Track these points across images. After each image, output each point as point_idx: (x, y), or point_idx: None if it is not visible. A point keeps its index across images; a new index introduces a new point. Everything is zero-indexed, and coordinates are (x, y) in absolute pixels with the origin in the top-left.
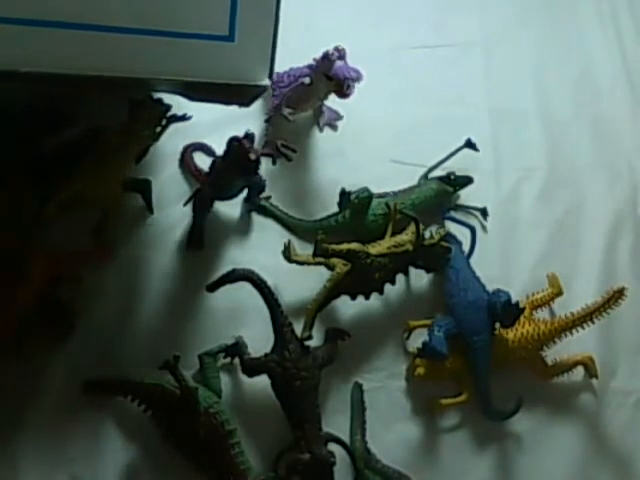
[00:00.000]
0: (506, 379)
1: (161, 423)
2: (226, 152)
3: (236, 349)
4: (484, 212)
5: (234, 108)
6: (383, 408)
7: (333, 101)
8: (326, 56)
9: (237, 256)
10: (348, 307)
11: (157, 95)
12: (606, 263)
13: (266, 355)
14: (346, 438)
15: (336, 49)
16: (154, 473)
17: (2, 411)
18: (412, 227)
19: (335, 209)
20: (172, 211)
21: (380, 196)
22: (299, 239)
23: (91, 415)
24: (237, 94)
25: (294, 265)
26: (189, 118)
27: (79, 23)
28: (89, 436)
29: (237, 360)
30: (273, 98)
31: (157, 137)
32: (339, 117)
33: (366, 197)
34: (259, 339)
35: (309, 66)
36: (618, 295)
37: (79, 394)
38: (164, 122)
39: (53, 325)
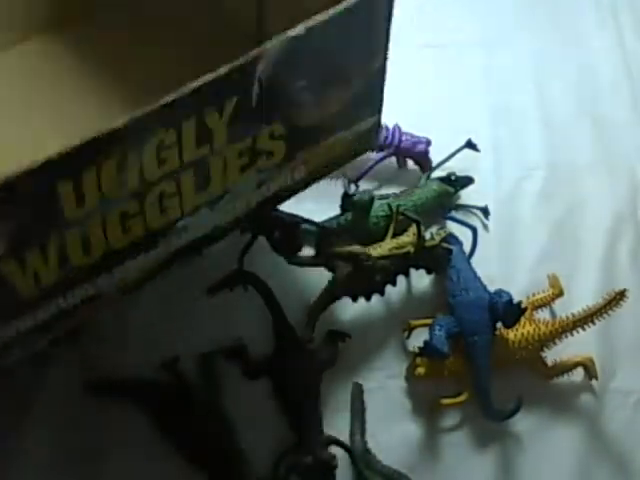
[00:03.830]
0: (506, 379)
1: (161, 424)
2: None
3: (237, 350)
4: (485, 211)
5: None
6: (383, 408)
7: None
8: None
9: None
10: (349, 308)
11: None
12: (606, 263)
13: (267, 357)
14: (346, 438)
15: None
16: (153, 473)
17: (2, 412)
18: (413, 228)
19: (337, 211)
20: None
21: (382, 197)
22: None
23: (91, 415)
24: None
25: (295, 267)
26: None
27: None
28: (89, 436)
29: (237, 361)
30: None
31: None
32: None
33: (368, 199)
34: (260, 341)
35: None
36: (619, 297)
37: (79, 394)
38: None
39: None
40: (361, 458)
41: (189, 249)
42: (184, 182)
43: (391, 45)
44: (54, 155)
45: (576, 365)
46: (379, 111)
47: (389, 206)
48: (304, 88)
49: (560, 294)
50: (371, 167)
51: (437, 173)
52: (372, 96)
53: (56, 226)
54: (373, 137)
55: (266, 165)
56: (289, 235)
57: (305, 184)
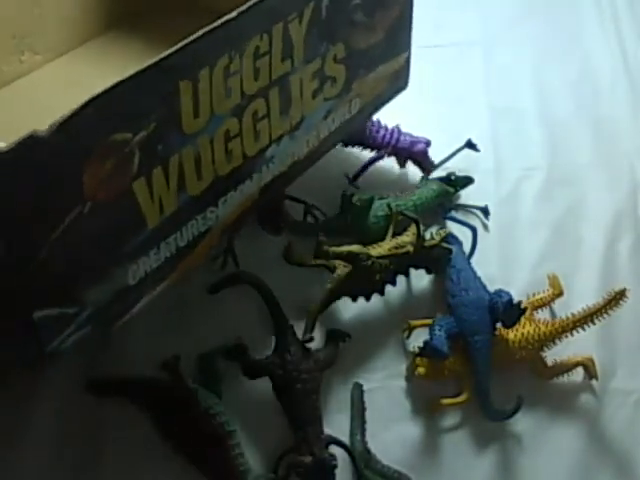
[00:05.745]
0: (506, 379)
1: (161, 424)
2: None
3: (237, 350)
4: (485, 211)
5: None
6: (383, 408)
7: None
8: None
9: (238, 258)
10: (349, 308)
11: None
12: (606, 263)
13: (267, 357)
14: (346, 438)
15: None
16: (153, 473)
17: (2, 410)
18: (413, 228)
19: (336, 211)
20: None
21: (381, 197)
22: (300, 241)
23: (91, 414)
24: None
25: (295, 267)
26: None
27: None
28: (88, 435)
29: (237, 361)
30: None
31: None
32: None
33: (367, 199)
34: (260, 341)
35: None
36: (619, 297)
37: (79, 394)
38: None
39: None
40: (361, 458)
41: (272, 187)
42: (272, 101)
43: None
44: (175, 49)
45: (576, 365)
46: (408, 47)
47: (389, 206)
48: (358, 6)
49: (560, 294)
50: (367, 165)
51: (437, 173)
52: (404, 28)
53: (176, 139)
54: (405, 75)
55: (331, 93)
56: (273, 210)
57: (359, 119)
